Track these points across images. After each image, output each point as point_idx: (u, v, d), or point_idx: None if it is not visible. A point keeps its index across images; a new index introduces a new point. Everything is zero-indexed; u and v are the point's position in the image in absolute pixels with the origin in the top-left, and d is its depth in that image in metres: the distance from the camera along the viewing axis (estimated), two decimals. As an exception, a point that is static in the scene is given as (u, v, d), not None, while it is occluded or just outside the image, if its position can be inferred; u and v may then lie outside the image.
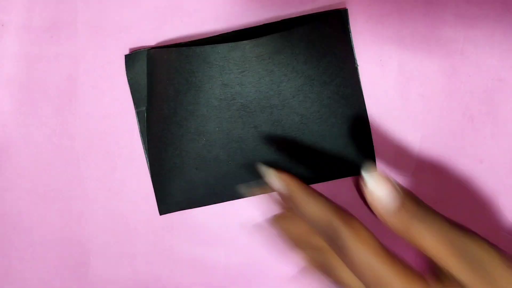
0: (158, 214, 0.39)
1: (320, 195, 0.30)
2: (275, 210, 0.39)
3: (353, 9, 0.37)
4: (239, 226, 0.39)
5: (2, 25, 0.38)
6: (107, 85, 0.38)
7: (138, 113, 0.38)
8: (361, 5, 0.37)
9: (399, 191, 0.27)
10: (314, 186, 0.39)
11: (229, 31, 0.37)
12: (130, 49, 0.38)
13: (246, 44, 0.34)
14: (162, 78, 0.36)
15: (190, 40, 0.37)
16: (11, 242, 0.40)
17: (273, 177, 0.32)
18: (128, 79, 0.38)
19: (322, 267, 0.31)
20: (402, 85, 0.37)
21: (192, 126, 0.36)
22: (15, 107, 0.39)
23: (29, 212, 0.40)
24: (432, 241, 0.26)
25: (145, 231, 0.40)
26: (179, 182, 0.37)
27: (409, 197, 0.27)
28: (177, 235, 0.40)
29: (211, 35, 0.37)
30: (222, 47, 0.34)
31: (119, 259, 0.40)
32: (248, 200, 0.39)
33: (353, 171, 0.37)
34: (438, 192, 0.38)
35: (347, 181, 0.38)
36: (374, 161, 0.38)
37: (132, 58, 0.37)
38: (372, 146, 0.37)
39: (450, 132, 0.38)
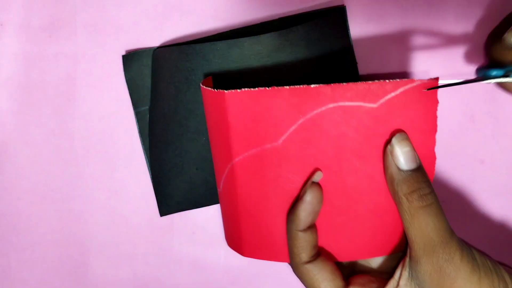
0: (158, 214, 0.39)
1: None
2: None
3: (354, 9, 0.37)
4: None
5: (1, 25, 0.38)
6: (106, 85, 0.38)
7: (137, 114, 0.38)
8: (362, 5, 0.37)
9: (417, 159, 0.28)
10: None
11: (228, 30, 0.37)
12: (126, 50, 0.38)
13: (244, 42, 0.34)
14: (164, 77, 0.36)
15: (189, 39, 0.37)
16: (11, 242, 0.40)
17: None
18: (126, 79, 0.37)
19: None
20: (403, 85, 0.37)
21: (192, 125, 0.36)
22: (14, 107, 0.39)
23: (28, 212, 0.40)
24: (418, 227, 0.27)
25: (145, 232, 0.39)
26: (179, 183, 0.37)
27: (422, 170, 0.28)
28: (177, 236, 0.39)
29: (210, 34, 0.37)
30: (221, 45, 0.34)
31: (119, 259, 0.40)
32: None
33: None
34: (439, 192, 0.38)
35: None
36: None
37: (130, 59, 0.37)
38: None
39: (451, 131, 0.38)
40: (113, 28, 0.38)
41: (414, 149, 0.28)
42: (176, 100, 0.36)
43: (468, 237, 0.39)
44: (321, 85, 0.28)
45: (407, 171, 0.27)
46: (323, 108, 0.29)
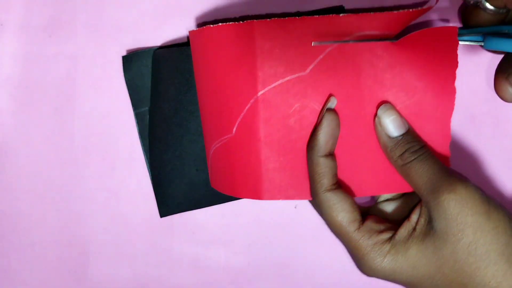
0: (158, 214, 0.39)
1: None
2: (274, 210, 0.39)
3: (349, 6, 0.37)
4: (239, 226, 0.39)
5: (1, 25, 0.38)
6: (106, 85, 0.38)
7: (137, 115, 0.38)
8: (360, 5, 0.37)
9: (404, 123, 0.30)
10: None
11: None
12: (127, 50, 0.38)
13: None
14: (164, 78, 0.36)
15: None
16: (10, 243, 0.40)
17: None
18: (126, 80, 0.37)
19: None
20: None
21: (192, 127, 0.36)
22: (14, 107, 0.39)
23: (28, 212, 0.39)
24: (416, 176, 0.28)
25: (145, 232, 0.39)
26: (180, 183, 0.37)
27: (411, 132, 0.30)
28: (177, 235, 0.39)
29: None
30: None
31: (118, 260, 0.40)
32: (247, 200, 0.39)
33: None
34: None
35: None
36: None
37: (129, 59, 0.37)
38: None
39: (451, 131, 0.38)
40: (113, 28, 0.38)
41: (400, 115, 0.30)
42: (176, 101, 0.36)
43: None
44: (349, 14, 0.28)
45: (397, 136, 0.29)
46: (350, 37, 0.29)
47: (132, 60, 0.37)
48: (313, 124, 0.30)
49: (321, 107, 0.30)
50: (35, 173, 0.39)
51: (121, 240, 0.40)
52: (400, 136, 0.29)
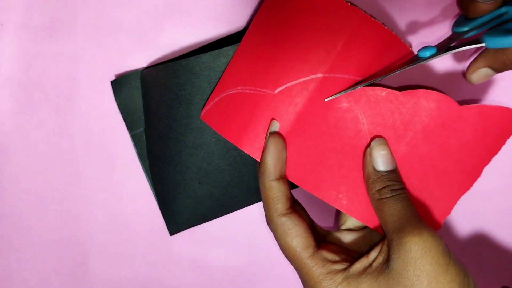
0: (158, 214, 0.39)
1: None
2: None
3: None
4: (239, 226, 0.39)
5: (1, 25, 0.38)
6: (106, 84, 0.38)
7: (134, 137, 0.38)
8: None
9: (393, 162, 0.30)
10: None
11: (229, 30, 0.37)
12: (115, 75, 0.38)
13: (229, 50, 0.34)
14: (155, 96, 0.36)
15: (189, 39, 0.37)
16: (10, 242, 0.40)
17: None
18: (117, 104, 0.37)
19: None
20: (403, 85, 0.37)
21: (189, 140, 0.36)
22: (14, 107, 0.39)
23: (28, 213, 0.40)
24: (388, 213, 0.29)
25: (145, 232, 0.39)
26: (184, 199, 0.37)
27: (397, 172, 0.30)
28: (177, 235, 0.39)
29: (211, 35, 0.37)
30: (206, 56, 0.34)
31: (118, 260, 0.40)
32: (248, 200, 0.39)
33: None
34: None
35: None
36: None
37: (119, 83, 0.37)
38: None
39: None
40: (113, 28, 0.38)
41: (390, 153, 0.30)
42: (169, 118, 0.36)
43: (467, 237, 0.39)
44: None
45: (382, 171, 0.30)
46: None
47: (121, 84, 0.37)
48: (347, 129, 0.31)
49: (364, 120, 0.30)
50: (35, 173, 0.39)
51: (121, 240, 0.40)
52: (385, 172, 0.30)
